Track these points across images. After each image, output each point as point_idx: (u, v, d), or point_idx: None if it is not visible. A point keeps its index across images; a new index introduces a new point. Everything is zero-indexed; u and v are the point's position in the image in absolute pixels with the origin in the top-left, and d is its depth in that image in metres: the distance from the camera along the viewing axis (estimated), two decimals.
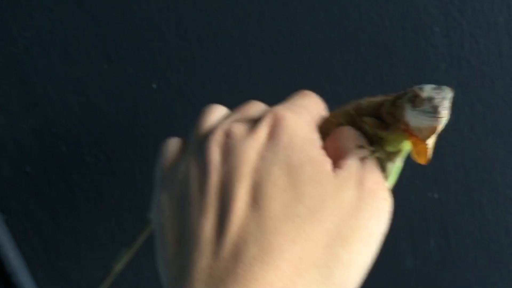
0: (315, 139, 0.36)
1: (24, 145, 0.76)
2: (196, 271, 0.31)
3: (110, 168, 0.76)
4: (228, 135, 0.36)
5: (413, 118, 0.35)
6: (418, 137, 0.35)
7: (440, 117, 0.33)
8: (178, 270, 0.33)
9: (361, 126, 0.39)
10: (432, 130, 0.34)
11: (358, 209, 0.33)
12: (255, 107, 0.41)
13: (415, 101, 0.34)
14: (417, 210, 0.73)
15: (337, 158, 0.37)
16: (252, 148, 0.35)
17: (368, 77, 0.67)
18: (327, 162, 0.35)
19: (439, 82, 0.64)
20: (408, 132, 0.36)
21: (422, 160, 0.37)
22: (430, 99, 0.33)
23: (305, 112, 0.38)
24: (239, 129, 0.36)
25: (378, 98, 0.39)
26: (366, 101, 0.40)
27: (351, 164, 0.35)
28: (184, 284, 0.31)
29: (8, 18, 0.69)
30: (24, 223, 0.82)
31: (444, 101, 0.33)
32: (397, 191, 0.72)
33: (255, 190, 0.33)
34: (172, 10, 0.67)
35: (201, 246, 0.32)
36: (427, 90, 0.34)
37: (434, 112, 0.33)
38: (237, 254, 0.31)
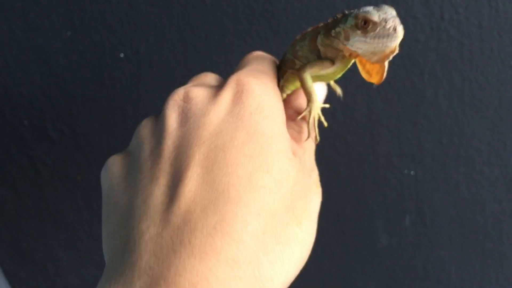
0: (283, 112, 0.35)
1: None
2: (145, 241, 0.27)
3: (75, 142, 0.72)
4: (186, 99, 0.33)
5: (365, 45, 0.34)
6: (370, 61, 0.35)
7: (400, 36, 0.34)
8: (123, 241, 0.29)
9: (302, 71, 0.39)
10: (391, 51, 0.34)
11: (307, 192, 0.33)
12: (212, 76, 0.39)
13: (366, 27, 0.34)
14: (393, 187, 0.71)
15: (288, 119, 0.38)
16: (213, 112, 0.32)
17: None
18: (292, 142, 0.35)
19: (418, 54, 0.62)
20: (354, 57, 0.37)
21: (375, 80, 0.37)
22: (384, 21, 0.33)
23: (268, 78, 0.36)
24: (199, 93, 0.34)
25: (309, 33, 0.40)
26: (298, 42, 0.41)
27: (307, 151, 0.36)
28: (131, 256, 0.27)
29: None
30: None
31: (397, 19, 0.34)
32: (373, 168, 0.71)
33: (216, 155, 0.30)
34: None
35: (151, 214, 0.29)
36: (374, 13, 0.34)
37: (393, 32, 0.33)
38: (193, 222, 0.27)
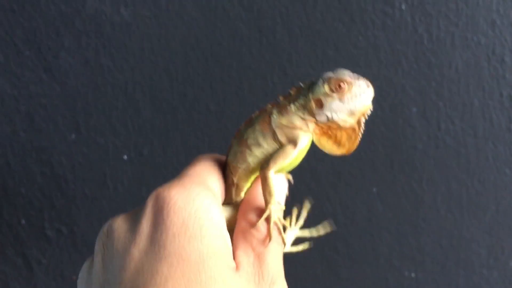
0: (216, 217, 0.31)
1: None
2: None
3: (72, 243, 0.71)
4: (109, 233, 0.31)
5: (342, 108, 0.34)
6: (344, 125, 0.34)
7: (373, 91, 0.35)
8: None
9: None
10: (366, 109, 0.35)
11: None
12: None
13: (342, 89, 0.33)
14: None
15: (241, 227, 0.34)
16: (134, 245, 0.29)
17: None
18: (230, 257, 0.30)
19: (417, 161, 0.64)
20: (320, 129, 0.35)
21: (346, 148, 0.36)
22: (356, 79, 0.34)
23: (196, 182, 0.32)
24: (121, 223, 0.31)
25: (256, 118, 0.37)
26: (244, 131, 0.37)
27: (269, 257, 0.32)
28: None
29: None
30: None
31: (363, 77, 0.35)
32: (373, 270, 0.71)
33: None
34: (147, 80, 0.65)
35: None
36: (343, 74, 0.34)
37: (368, 88, 0.34)
38: None
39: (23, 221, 0.71)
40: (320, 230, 0.46)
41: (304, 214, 0.46)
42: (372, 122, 0.64)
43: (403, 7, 0.60)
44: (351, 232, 0.69)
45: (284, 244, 0.35)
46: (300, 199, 0.68)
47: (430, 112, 0.64)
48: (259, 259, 0.31)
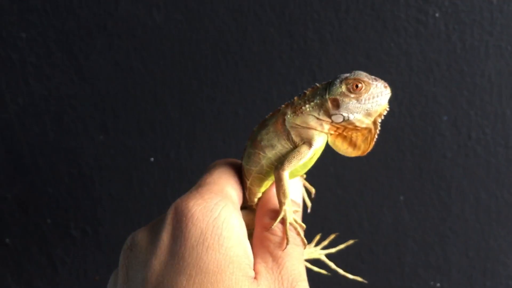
0: (234, 226, 0.30)
1: (5, 215, 0.71)
2: None
3: (97, 243, 0.71)
4: (132, 247, 0.32)
5: (359, 108, 0.33)
6: (360, 126, 0.34)
7: (390, 92, 0.34)
8: None
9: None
10: (384, 108, 0.34)
11: None
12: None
13: (360, 89, 0.33)
14: None
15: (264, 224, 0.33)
16: (155, 257, 0.29)
17: (374, 161, 0.66)
18: (248, 266, 0.30)
19: (446, 170, 0.63)
20: (338, 131, 0.35)
21: (361, 150, 0.36)
22: (374, 80, 0.34)
23: (215, 189, 0.33)
24: (143, 237, 0.31)
25: (269, 119, 0.37)
26: (258, 132, 0.37)
27: (289, 260, 0.31)
28: None
29: (1, 83, 0.65)
30: None
31: (380, 79, 0.34)
32: (398, 279, 0.70)
33: None
34: (177, 83, 0.65)
35: None
36: (361, 75, 0.34)
37: (385, 89, 0.33)
38: None
39: (49, 221, 0.71)
40: (341, 271, 0.45)
41: (326, 243, 0.46)
42: (401, 129, 0.64)
43: (437, 15, 0.59)
44: (376, 240, 0.69)
45: (304, 245, 0.34)
46: (326, 206, 0.67)
47: (461, 121, 0.63)
48: (278, 263, 0.31)
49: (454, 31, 0.60)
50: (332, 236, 0.45)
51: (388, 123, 0.64)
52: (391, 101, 0.62)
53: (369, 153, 0.36)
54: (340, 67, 0.63)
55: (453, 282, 0.69)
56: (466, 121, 0.63)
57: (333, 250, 0.45)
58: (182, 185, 0.68)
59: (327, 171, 0.67)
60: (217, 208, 0.30)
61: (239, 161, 0.39)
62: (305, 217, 0.67)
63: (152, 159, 0.68)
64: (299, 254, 0.33)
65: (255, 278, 0.30)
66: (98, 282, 0.74)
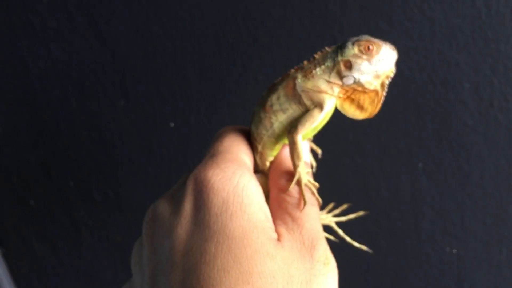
0: (253, 192, 0.31)
1: (29, 178, 0.73)
2: None
3: (118, 205, 0.73)
4: (154, 219, 0.32)
5: (370, 69, 0.34)
6: (369, 88, 0.35)
7: (396, 56, 0.35)
8: None
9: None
10: (390, 71, 0.35)
11: (312, 279, 0.29)
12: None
13: (371, 51, 0.34)
14: (433, 264, 0.71)
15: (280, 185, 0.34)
16: (180, 227, 0.30)
17: (393, 127, 0.65)
18: (271, 229, 0.31)
19: (466, 138, 0.63)
20: (346, 94, 0.36)
21: (369, 111, 0.36)
22: (383, 42, 0.35)
23: (230, 158, 0.33)
24: (164, 208, 0.32)
25: (279, 83, 0.37)
26: (269, 96, 0.37)
27: (307, 220, 0.32)
28: None
29: (23, 47, 0.66)
30: (22, 258, 0.78)
31: (387, 42, 0.35)
32: (414, 244, 0.71)
33: (191, 280, 0.28)
34: (197, 48, 0.65)
35: None
36: (371, 38, 0.35)
37: (394, 51, 0.35)
38: None
39: (71, 184, 0.73)
40: (350, 240, 0.46)
41: (338, 211, 0.47)
42: (422, 96, 0.63)
43: None
44: (394, 206, 0.69)
45: (319, 203, 0.35)
46: (345, 172, 0.68)
47: (483, 89, 0.62)
48: (297, 224, 0.32)
49: None
50: (344, 206, 0.46)
51: (409, 89, 0.63)
52: (413, 67, 0.61)
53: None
54: (361, 32, 0.61)
55: (470, 248, 0.70)
56: (488, 89, 0.62)
57: (343, 218, 0.46)
58: (201, 150, 0.69)
59: (347, 138, 0.67)
60: (235, 177, 0.31)
61: (246, 127, 0.40)
62: (324, 183, 0.68)
63: (172, 124, 0.69)
64: (316, 214, 0.34)
65: (278, 239, 0.30)
66: (119, 243, 0.76)
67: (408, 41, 0.61)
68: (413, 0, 0.59)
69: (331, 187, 0.68)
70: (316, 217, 0.33)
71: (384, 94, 0.35)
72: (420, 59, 0.62)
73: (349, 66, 0.34)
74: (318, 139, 0.43)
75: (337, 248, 0.42)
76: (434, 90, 0.63)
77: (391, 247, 0.71)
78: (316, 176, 0.40)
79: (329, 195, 0.68)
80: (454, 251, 0.70)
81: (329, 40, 0.62)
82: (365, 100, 0.36)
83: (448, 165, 0.66)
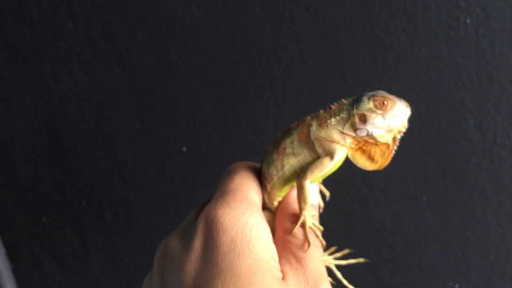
0: (261, 232, 0.33)
1: (43, 196, 0.75)
2: None
3: (128, 226, 0.75)
4: (165, 255, 0.34)
5: (383, 124, 0.36)
6: (381, 141, 0.36)
7: (410, 113, 0.36)
8: None
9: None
10: (404, 126, 0.36)
11: None
12: (199, 209, 0.37)
13: (386, 106, 0.36)
14: None
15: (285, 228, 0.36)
16: (189, 264, 0.31)
17: (399, 161, 0.67)
18: (276, 268, 0.32)
19: (470, 174, 0.64)
20: (358, 146, 0.37)
21: (379, 164, 0.37)
22: (398, 99, 0.36)
23: (240, 197, 0.35)
24: (175, 245, 0.34)
25: (294, 128, 0.39)
26: (283, 140, 0.39)
27: (311, 261, 0.33)
28: None
29: (47, 70, 0.69)
30: (31, 274, 0.80)
31: (401, 98, 0.36)
32: (417, 278, 0.71)
33: None
34: (212, 77, 0.67)
35: None
36: (386, 94, 0.36)
37: (407, 108, 0.36)
38: None
39: (84, 203, 0.75)
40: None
41: (339, 255, 0.48)
42: (428, 132, 0.65)
43: (468, 21, 0.61)
44: (398, 239, 0.70)
45: (323, 246, 0.36)
46: (351, 204, 0.69)
47: (487, 126, 0.64)
48: (301, 264, 0.33)
49: (484, 37, 0.61)
50: (346, 251, 0.47)
51: (415, 125, 0.65)
52: (419, 103, 0.64)
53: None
54: (370, 69, 0.64)
55: (472, 284, 0.70)
56: (492, 126, 0.64)
57: (343, 262, 0.47)
58: (212, 176, 0.71)
59: (353, 170, 0.68)
60: (244, 216, 0.33)
61: (257, 164, 0.41)
62: (331, 214, 0.69)
63: (184, 149, 0.71)
64: (319, 255, 0.35)
65: (282, 279, 0.32)
66: (126, 263, 0.77)
67: (414, 77, 0.63)
68: (420, 39, 0.62)
69: (338, 218, 0.70)
70: (319, 258, 0.34)
71: (395, 148, 0.37)
72: (426, 96, 0.64)
73: (364, 119, 0.36)
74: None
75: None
76: (439, 126, 0.65)
77: (393, 279, 0.72)
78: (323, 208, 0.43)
79: (335, 226, 0.69)
80: (457, 286, 0.71)
81: (339, 75, 0.65)
82: (376, 152, 0.37)
83: (452, 200, 0.68)
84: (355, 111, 0.36)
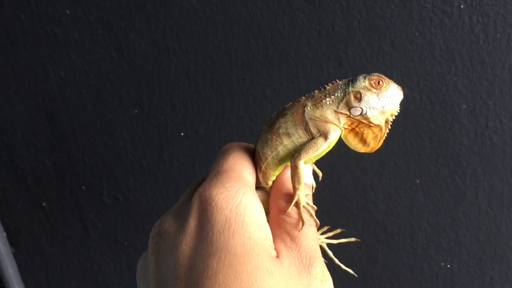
0: (255, 211, 0.33)
1: (43, 181, 0.76)
2: None
3: (127, 210, 0.76)
4: (160, 233, 0.34)
5: (377, 104, 0.37)
6: (373, 122, 0.37)
7: (402, 97, 0.37)
8: None
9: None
10: (395, 110, 0.37)
11: None
12: (194, 189, 0.37)
13: (381, 86, 0.37)
14: (428, 278, 0.74)
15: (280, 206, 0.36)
16: (184, 242, 0.32)
17: (393, 145, 0.69)
18: (270, 247, 0.33)
19: (462, 157, 0.66)
20: (352, 126, 0.38)
21: (371, 146, 0.38)
22: (392, 81, 0.37)
23: (234, 176, 0.35)
24: (169, 224, 0.34)
25: (289, 108, 0.39)
26: (278, 119, 0.39)
27: (305, 239, 0.34)
28: None
29: (45, 56, 0.69)
30: (32, 258, 0.81)
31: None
32: (410, 258, 0.73)
33: None
34: (209, 63, 0.68)
35: None
36: (382, 75, 0.37)
37: (400, 91, 0.37)
38: None
39: (83, 187, 0.76)
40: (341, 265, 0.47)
41: (331, 234, 0.48)
42: (421, 116, 0.67)
43: (462, 6, 0.62)
44: (392, 220, 0.72)
45: (317, 224, 0.37)
46: (345, 186, 0.71)
47: (479, 110, 0.66)
48: (295, 243, 0.34)
49: (477, 23, 0.62)
50: (338, 231, 0.47)
51: (409, 109, 0.67)
52: (413, 88, 0.65)
53: (387, 137, 0.39)
54: (365, 53, 0.65)
55: (463, 264, 0.73)
56: (484, 111, 0.66)
57: (335, 241, 0.47)
58: (209, 159, 0.72)
59: (348, 153, 0.70)
60: (238, 196, 0.33)
61: (251, 145, 0.42)
62: (326, 195, 0.71)
63: (182, 133, 0.72)
64: (313, 233, 0.35)
65: (277, 257, 0.32)
66: (126, 247, 0.79)
67: (408, 62, 0.64)
68: (415, 24, 0.63)
69: (333, 200, 0.71)
70: (313, 237, 0.35)
71: (387, 131, 0.38)
72: (419, 81, 0.65)
73: (359, 97, 0.37)
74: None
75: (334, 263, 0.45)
76: (433, 110, 0.67)
77: (387, 259, 0.74)
78: (318, 189, 0.44)
79: (330, 207, 0.71)
80: (448, 265, 0.73)
81: (335, 60, 0.66)
82: (369, 134, 0.38)
83: (444, 182, 0.69)
84: (350, 89, 0.37)
